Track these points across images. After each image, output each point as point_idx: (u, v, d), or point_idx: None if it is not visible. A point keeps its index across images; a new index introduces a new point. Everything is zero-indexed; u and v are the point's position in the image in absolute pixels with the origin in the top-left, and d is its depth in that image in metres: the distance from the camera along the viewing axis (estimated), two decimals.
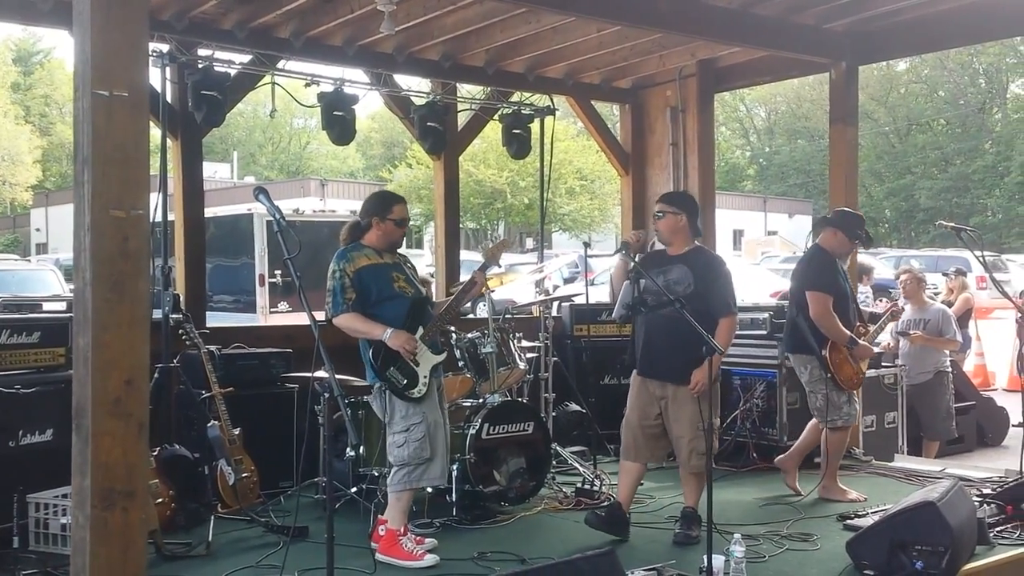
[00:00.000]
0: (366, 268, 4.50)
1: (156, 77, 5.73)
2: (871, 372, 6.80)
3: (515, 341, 5.82)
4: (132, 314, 3.00)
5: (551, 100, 7.60)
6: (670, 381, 4.74)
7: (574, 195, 30.68)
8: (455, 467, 5.10)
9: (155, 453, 4.87)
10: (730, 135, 51.54)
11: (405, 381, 4.44)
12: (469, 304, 9.89)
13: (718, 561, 4.01)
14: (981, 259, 6.00)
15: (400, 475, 4.48)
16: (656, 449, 4.89)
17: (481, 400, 5.46)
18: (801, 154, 47.31)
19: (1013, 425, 8.53)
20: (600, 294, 12.91)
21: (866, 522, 4.67)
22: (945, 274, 10.43)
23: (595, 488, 5.60)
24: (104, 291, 2.96)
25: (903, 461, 6.72)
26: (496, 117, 7.52)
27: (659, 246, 5.06)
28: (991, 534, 4.63)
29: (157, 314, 5.43)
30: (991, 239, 35.35)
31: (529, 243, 32.15)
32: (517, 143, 7.41)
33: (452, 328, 5.73)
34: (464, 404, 5.54)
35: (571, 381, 6.73)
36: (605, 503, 5.31)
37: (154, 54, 5.64)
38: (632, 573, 3.91)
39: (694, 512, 4.81)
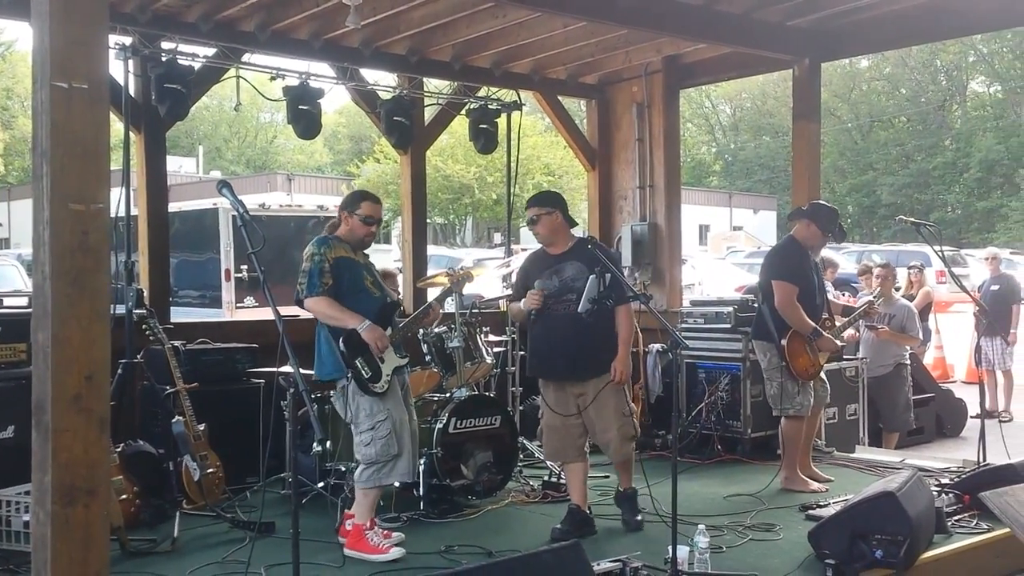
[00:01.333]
0: (343, 259, 4.51)
1: (119, 70, 5.66)
2: (833, 365, 6.90)
3: (482, 335, 5.84)
4: (92, 309, 2.96)
5: (518, 95, 7.62)
6: (592, 377, 4.78)
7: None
8: (422, 461, 5.10)
9: (119, 449, 4.82)
10: (696, 131, 51.90)
11: (371, 374, 4.43)
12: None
13: (682, 552, 4.06)
14: (940, 254, 6.11)
15: (368, 473, 4.48)
16: (583, 445, 4.94)
17: (448, 394, 5.47)
18: (766, 150, 47.79)
19: (971, 416, 8.70)
20: None
21: (827, 512, 4.75)
22: (911, 267, 10.59)
23: (562, 481, 5.62)
24: (64, 286, 2.92)
25: (864, 452, 6.83)
26: (463, 112, 7.51)
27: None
28: (949, 523, 4.74)
29: (121, 309, 5.37)
30: (950, 234, 35.98)
31: (497, 238, 32.14)
32: (484, 138, 7.42)
33: None
34: (431, 398, 5.55)
35: None
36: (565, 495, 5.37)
37: (116, 47, 5.57)
38: (598, 564, 3.94)
39: (633, 492, 4.96)
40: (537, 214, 4.87)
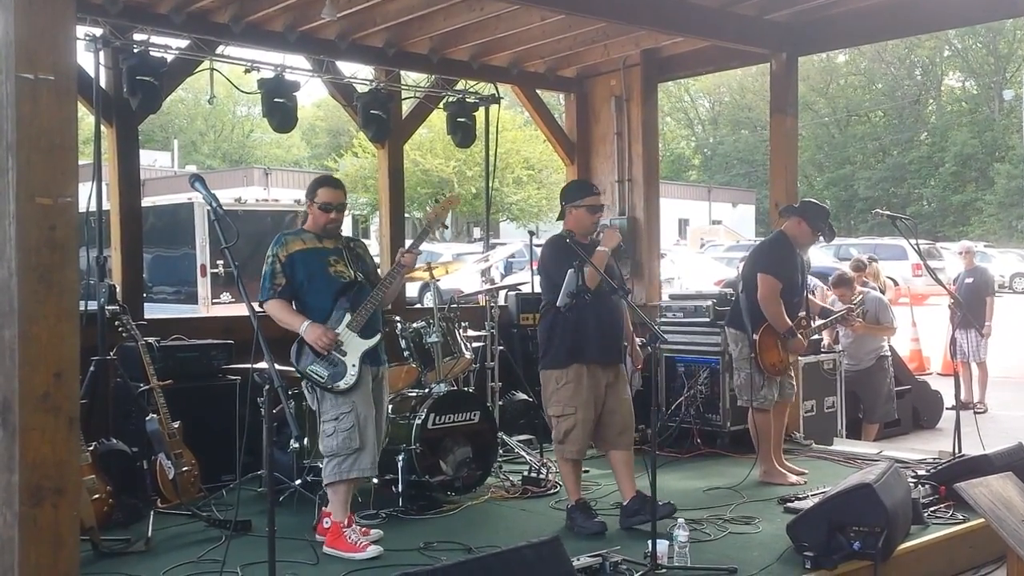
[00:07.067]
0: (299, 252, 4.42)
1: (90, 62, 5.57)
2: (811, 358, 6.94)
3: (461, 330, 5.80)
4: (60, 306, 2.91)
5: (496, 89, 7.57)
6: (620, 362, 4.89)
7: (521, 184, 30.71)
8: (401, 457, 5.07)
9: (91, 448, 4.75)
10: (675, 125, 52.06)
11: (327, 375, 4.34)
12: (416, 293, 9.80)
13: (662, 545, 4.06)
14: (916, 247, 6.15)
15: (331, 466, 4.42)
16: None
17: (427, 390, 5.43)
18: (745, 144, 48.03)
19: (947, 408, 8.77)
20: None
21: (806, 504, 4.76)
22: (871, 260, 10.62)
23: (542, 476, 5.61)
24: (31, 282, 2.86)
25: (842, 444, 6.87)
26: (441, 105, 7.46)
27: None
28: (925, 514, 4.77)
29: (93, 306, 5.30)
30: (926, 228, 36.35)
31: (476, 232, 32.12)
32: (462, 132, 7.37)
33: (397, 318, 5.69)
34: (410, 394, 5.51)
35: (517, 370, 6.74)
36: (551, 491, 5.36)
37: (87, 38, 5.49)
38: (578, 559, 3.92)
39: (644, 496, 4.63)
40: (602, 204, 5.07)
